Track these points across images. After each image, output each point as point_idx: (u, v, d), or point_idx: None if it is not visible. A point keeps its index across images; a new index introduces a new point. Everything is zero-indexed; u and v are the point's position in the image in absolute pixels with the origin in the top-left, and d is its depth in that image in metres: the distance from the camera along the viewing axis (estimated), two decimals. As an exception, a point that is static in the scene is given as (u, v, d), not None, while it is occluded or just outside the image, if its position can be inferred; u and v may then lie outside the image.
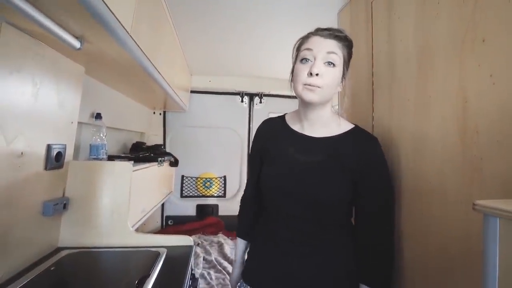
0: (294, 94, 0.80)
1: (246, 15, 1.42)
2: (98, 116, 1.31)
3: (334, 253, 0.79)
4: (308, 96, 0.75)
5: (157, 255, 0.99)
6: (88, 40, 0.82)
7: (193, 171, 2.67)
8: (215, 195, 2.70)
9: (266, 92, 2.75)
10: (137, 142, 2.04)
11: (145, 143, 2.10)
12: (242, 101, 2.74)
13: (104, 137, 1.30)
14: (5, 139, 0.74)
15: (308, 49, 0.77)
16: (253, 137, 0.98)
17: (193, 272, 1.15)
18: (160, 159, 1.76)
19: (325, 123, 0.82)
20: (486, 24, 0.55)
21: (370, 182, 0.77)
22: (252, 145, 0.97)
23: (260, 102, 2.77)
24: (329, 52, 0.75)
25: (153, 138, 2.50)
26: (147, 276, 0.82)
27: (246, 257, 0.95)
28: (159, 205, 1.93)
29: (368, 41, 1.03)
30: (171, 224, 2.58)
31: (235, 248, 1.00)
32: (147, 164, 1.49)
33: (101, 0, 0.64)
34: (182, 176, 2.64)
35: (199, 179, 2.68)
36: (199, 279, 1.59)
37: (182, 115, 2.62)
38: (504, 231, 0.35)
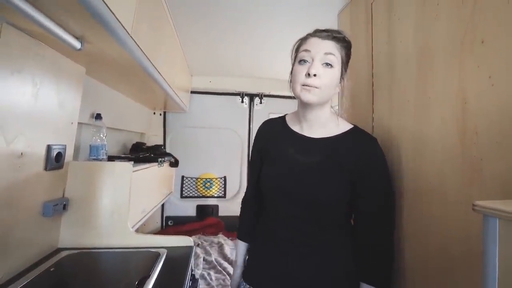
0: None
1: (246, 16, 1.42)
2: (98, 116, 1.31)
3: (333, 254, 0.79)
4: (306, 97, 0.75)
5: (157, 256, 0.99)
6: (88, 41, 0.83)
7: (193, 171, 2.67)
8: (215, 195, 2.70)
9: (266, 93, 2.75)
10: (137, 142, 2.04)
11: (145, 144, 2.10)
12: (242, 101, 2.75)
13: (104, 138, 1.30)
14: (5, 140, 0.74)
15: (306, 50, 0.77)
16: (253, 138, 0.98)
17: (193, 272, 1.14)
18: (160, 159, 1.76)
19: (324, 124, 0.82)
20: (485, 26, 0.56)
21: (369, 182, 0.77)
22: (252, 146, 0.98)
23: (260, 102, 2.78)
24: (326, 53, 0.76)
25: (153, 139, 2.51)
26: (147, 276, 0.82)
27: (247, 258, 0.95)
28: (159, 205, 1.92)
29: (368, 42, 1.03)
30: (171, 224, 2.58)
31: (235, 250, 0.99)
32: (147, 165, 1.49)
33: (101, 1, 0.64)
34: (182, 177, 2.64)
35: (199, 179, 2.69)
36: (199, 280, 1.58)
37: (182, 116, 2.62)
38: (504, 231, 0.35)
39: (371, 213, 0.78)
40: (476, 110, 0.57)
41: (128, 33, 0.83)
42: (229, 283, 1.76)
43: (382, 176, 0.78)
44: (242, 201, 1.01)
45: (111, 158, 1.39)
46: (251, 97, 2.76)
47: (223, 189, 2.73)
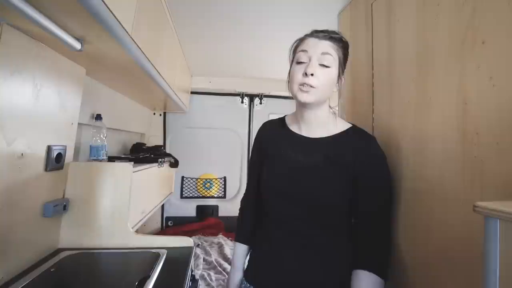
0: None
1: (246, 16, 1.42)
2: (99, 117, 1.31)
3: (333, 254, 0.79)
4: (303, 97, 0.76)
5: (157, 256, 0.99)
6: (88, 41, 0.83)
7: (193, 172, 2.67)
8: (215, 196, 2.70)
9: (266, 93, 2.75)
10: (137, 143, 2.04)
11: (145, 144, 2.09)
12: (242, 102, 2.75)
13: (104, 138, 1.30)
14: (6, 140, 0.74)
15: (303, 50, 0.78)
16: (253, 138, 0.98)
17: (193, 273, 1.14)
18: (160, 160, 1.76)
19: (322, 124, 0.82)
20: (486, 26, 0.56)
21: (368, 180, 0.77)
22: (252, 147, 0.98)
23: (260, 103, 2.78)
24: (324, 53, 0.76)
25: (153, 139, 2.51)
26: (147, 277, 0.82)
27: (246, 260, 0.95)
28: (159, 206, 1.92)
29: (368, 42, 1.03)
30: (171, 225, 2.58)
31: (233, 252, 0.99)
32: (147, 165, 1.49)
33: (101, 1, 0.64)
34: (182, 177, 2.64)
35: (199, 180, 2.68)
36: (199, 280, 1.58)
37: (183, 116, 2.62)
38: (505, 232, 0.35)
39: (370, 212, 0.77)
40: (477, 110, 0.57)
41: (128, 34, 0.83)
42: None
43: (381, 175, 0.78)
44: (241, 202, 1.01)
45: (111, 159, 1.39)
46: (251, 97, 2.76)
47: (223, 190, 2.73)
